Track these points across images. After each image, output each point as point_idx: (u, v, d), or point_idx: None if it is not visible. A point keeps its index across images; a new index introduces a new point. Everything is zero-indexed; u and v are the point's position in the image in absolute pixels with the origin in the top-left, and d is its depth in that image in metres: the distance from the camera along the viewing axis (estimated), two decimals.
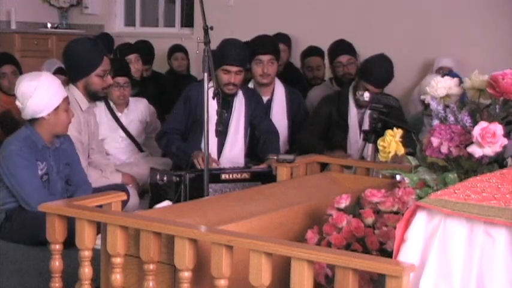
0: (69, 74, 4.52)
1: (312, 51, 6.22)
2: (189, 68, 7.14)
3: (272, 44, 5.31)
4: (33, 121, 3.94)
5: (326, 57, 6.03)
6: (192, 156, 4.45)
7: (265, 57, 5.11)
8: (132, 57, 6.09)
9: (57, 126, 3.96)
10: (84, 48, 4.47)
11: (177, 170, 4.38)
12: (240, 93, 4.79)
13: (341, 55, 5.60)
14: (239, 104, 4.78)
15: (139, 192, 4.76)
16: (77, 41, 4.62)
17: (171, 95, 6.06)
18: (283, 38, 6.40)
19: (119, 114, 5.26)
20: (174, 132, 4.73)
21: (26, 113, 3.93)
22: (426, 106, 2.90)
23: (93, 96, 4.48)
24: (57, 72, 5.56)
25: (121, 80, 5.17)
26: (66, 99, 3.98)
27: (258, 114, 4.87)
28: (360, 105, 4.79)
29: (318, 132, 4.97)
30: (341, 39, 5.73)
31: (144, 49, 6.70)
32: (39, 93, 3.86)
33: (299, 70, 6.47)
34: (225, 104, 4.53)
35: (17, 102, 3.94)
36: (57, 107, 3.92)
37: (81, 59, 4.42)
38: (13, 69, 5.82)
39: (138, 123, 5.36)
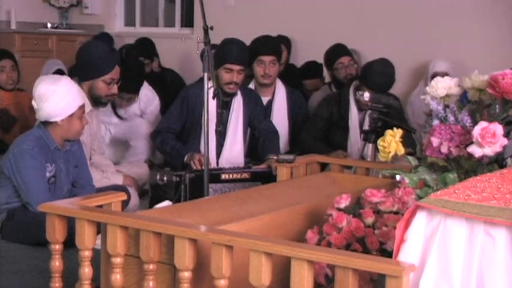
0: (78, 73, 4.53)
1: (309, 73, 6.15)
2: (161, 64, 7.07)
3: (274, 45, 5.32)
4: (46, 123, 3.96)
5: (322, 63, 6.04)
6: (187, 158, 4.46)
7: (267, 58, 5.12)
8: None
9: (69, 132, 3.99)
10: (99, 52, 4.49)
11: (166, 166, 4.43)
12: (239, 94, 4.79)
13: (342, 56, 5.64)
14: (237, 104, 4.78)
15: (139, 193, 4.76)
16: (94, 43, 4.65)
17: (169, 93, 6.05)
18: (282, 40, 6.39)
19: None
20: (170, 131, 4.73)
21: (40, 115, 3.95)
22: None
23: (95, 101, 4.50)
24: (56, 73, 5.56)
25: (126, 96, 5.26)
26: (81, 107, 4.01)
27: (257, 114, 4.87)
28: (361, 107, 4.79)
29: (319, 134, 4.98)
30: (337, 43, 5.77)
31: (146, 46, 6.70)
32: (56, 98, 3.88)
33: (298, 72, 6.46)
34: (224, 104, 4.53)
35: (33, 103, 3.96)
36: (72, 114, 3.94)
37: (93, 61, 4.44)
38: (12, 64, 5.87)
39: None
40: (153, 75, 6.65)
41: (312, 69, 6.16)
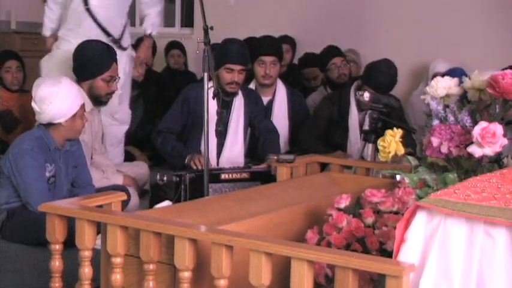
0: (76, 73, 4.52)
1: (308, 62, 6.23)
2: (187, 65, 7.11)
3: (275, 45, 5.32)
4: (48, 125, 3.96)
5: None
6: (188, 159, 4.47)
7: (268, 59, 5.11)
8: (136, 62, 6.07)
9: (71, 132, 4.00)
10: (95, 51, 4.46)
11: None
12: (239, 93, 4.79)
13: (335, 57, 5.76)
14: (238, 104, 4.78)
15: (139, 193, 4.76)
16: (90, 42, 4.59)
17: (169, 93, 6.05)
18: (287, 39, 6.42)
19: None
20: (170, 131, 4.73)
21: (43, 118, 3.94)
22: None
23: (95, 100, 4.49)
24: None
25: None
26: (83, 106, 4.02)
27: (257, 114, 4.88)
28: (361, 107, 4.79)
29: (319, 133, 4.98)
30: (330, 45, 5.86)
31: None
32: (60, 100, 3.89)
33: (297, 66, 6.49)
34: (224, 104, 4.53)
35: (34, 105, 3.94)
36: (75, 114, 3.95)
37: (90, 61, 4.42)
38: (17, 65, 5.87)
39: None
40: (173, 71, 6.69)
41: (310, 58, 6.23)
